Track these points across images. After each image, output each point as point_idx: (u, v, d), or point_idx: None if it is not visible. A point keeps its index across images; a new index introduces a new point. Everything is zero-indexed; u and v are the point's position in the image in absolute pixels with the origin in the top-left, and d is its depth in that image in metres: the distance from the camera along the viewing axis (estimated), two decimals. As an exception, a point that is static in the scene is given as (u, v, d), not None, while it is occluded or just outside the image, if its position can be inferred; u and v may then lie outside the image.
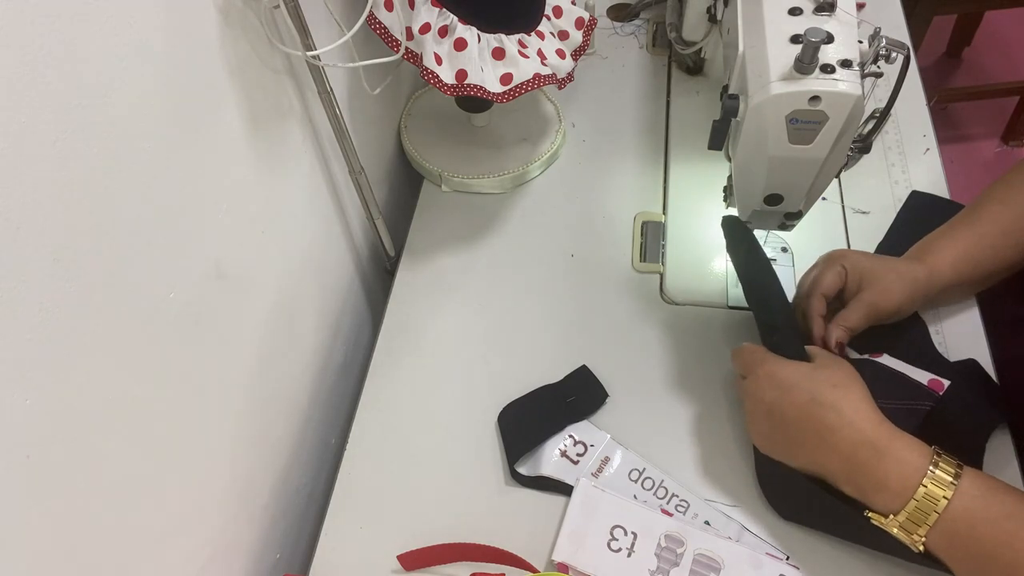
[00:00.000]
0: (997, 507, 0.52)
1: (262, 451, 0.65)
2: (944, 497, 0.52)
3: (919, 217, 0.79)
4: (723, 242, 0.80)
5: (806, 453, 0.58)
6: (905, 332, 0.69)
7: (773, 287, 0.66)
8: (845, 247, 0.79)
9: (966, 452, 0.56)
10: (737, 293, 0.76)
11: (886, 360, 0.68)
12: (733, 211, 0.72)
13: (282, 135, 0.63)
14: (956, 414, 0.63)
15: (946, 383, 0.65)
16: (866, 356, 0.69)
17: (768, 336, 0.65)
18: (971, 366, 0.69)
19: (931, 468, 0.53)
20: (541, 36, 0.72)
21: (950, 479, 0.52)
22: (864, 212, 0.81)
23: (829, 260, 0.68)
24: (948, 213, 0.75)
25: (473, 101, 0.83)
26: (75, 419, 0.41)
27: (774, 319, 0.65)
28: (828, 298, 0.67)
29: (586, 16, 0.76)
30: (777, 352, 0.62)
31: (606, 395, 0.70)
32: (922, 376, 0.66)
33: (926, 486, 0.52)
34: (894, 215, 0.80)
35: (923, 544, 0.53)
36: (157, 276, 0.48)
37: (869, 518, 0.55)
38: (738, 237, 0.69)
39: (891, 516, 0.53)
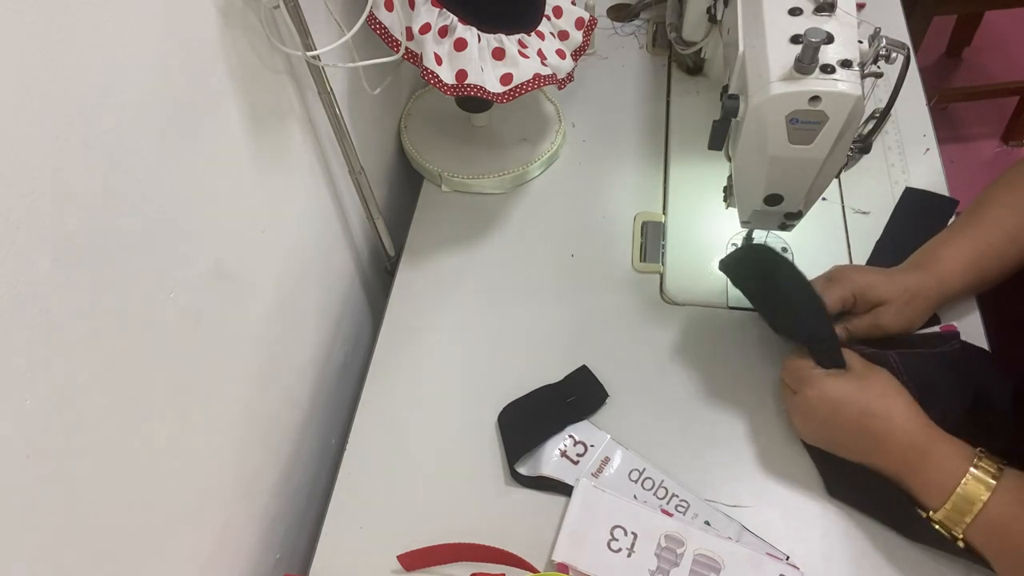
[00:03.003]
0: None
1: (262, 451, 0.65)
2: (980, 499, 0.55)
3: (915, 214, 0.79)
4: (723, 242, 0.80)
5: (859, 457, 0.62)
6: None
7: (808, 302, 0.65)
8: (845, 247, 0.79)
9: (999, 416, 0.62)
10: (737, 293, 0.76)
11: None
12: (735, 237, 0.72)
13: (282, 135, 0.63)
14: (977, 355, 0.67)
15: (956, 324, 0.68)
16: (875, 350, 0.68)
17: (811, 348, 0.65)
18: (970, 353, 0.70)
19: (972, 469, 0.56)
20: (541, 36, 0.72)
21: (990, 479, 0.55)
22: (864, 212, 0.81)
23: (835, 280, 0.67)
24: (943, 209, 0.75)
25: (473, 101, 0.83)
26: (75, 419, 0.41)
27: (817, 332, 0.65)
28: None
29: (586, 16, 0.76)
30: (820, 361, 0.64)
31: (606, 395, 0.70)
32: (936, 327, 0.69)
33: (965, 486, 0.56)
34: (894, 215, 0.80)
35: (963, 540, 0.56)
36: (157, 276, 0.48)
37: (918, 511, 0.58)
38: (743, 273, 0.70)
39: (932, 512, 0.57)
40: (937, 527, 0.57)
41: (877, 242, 0.78)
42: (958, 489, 0.56)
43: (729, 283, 0.77)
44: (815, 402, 0.62)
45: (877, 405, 0.60)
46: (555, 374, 0.71)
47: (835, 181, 0.69)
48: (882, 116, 0.58)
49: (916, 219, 0.78)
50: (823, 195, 0.70)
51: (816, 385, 0.62)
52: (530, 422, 0.68)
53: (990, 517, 0.55)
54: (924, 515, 0.58)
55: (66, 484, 0.41)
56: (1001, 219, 0.68)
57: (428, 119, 0.90)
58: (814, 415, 0.63)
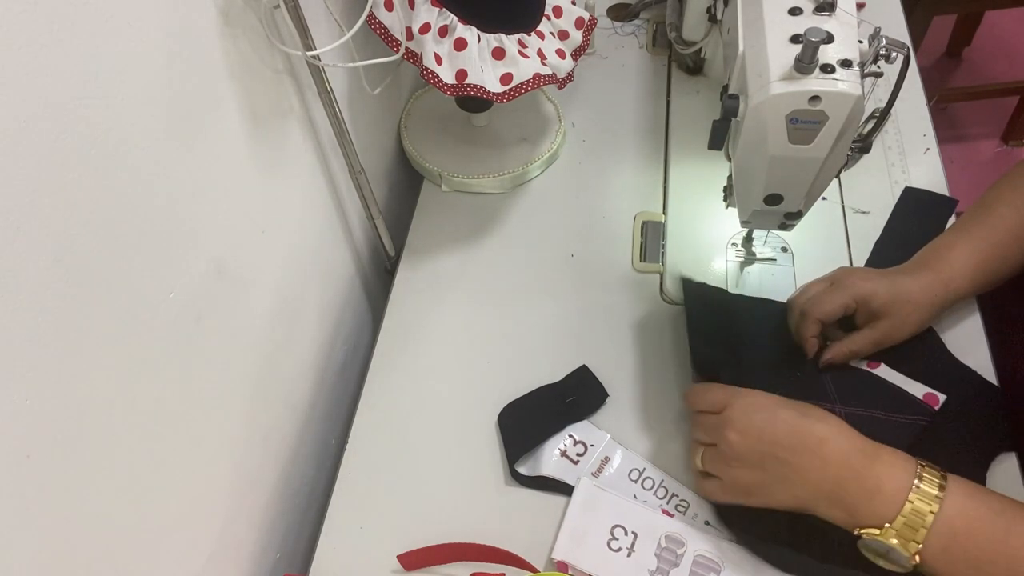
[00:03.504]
0: (985, 508, 0.51)
1: (262, 451, 0.65)
2: (931, 512, 0.51)
3: (914, 214, 0.79)
4: (723, 242, 0.80)
5: (797, 474, 0.55)
6: (911, 340, 0.68)
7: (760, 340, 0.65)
8: (845, 247, 0.79)
9: (965, 475, 0.54)
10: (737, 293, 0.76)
11: (883, 371, 0.67)
12: (735, 237, 0.72)
13: (282, 135, 0.63)
14: (954, 439, 0.62)
15: (942, 398, 0.64)
16: (863, 364, 0.69)
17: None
18: (977, 381, 0.68)
19: (915, 482, 0.52)
20: (541, 36, 0.72)
21: (935, 492, 0.51)
22: (864, 212, 0.81)
23: (837, 286, 0.66)
24: (942, 209, 0.74)
25: (473, 101, 0.83)
26: (75, 419, 0.41)
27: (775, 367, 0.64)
28: (824, 324, 0.67)
29: (586, 16, 0.76)
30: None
31: (606, 395, 0.70)
32: (918, 390, 0.65)
33: (912, 501, 0.51)
34: (894, 215, 0.80)
35: (919, 555, 0.51)
36: (157, 276, 0.48)
37: (860, 536, 0.53)
38: (697, 313, 0.70)
39: (887, 526, 0.52)
40: (894, 541, 0.51)
41: (876, 242, 0.78)
42: (906, 505, 0.51)
43: (729, 284, 0.77)
44: (750, 408, 0.57)
45: (814, 410, 0.57)
46: (555, 374, 0.71)
47: (835, 181, 0.69)
48: (882, 116, 0.58)
49: (916, 219, 0.78)
50: (823, 195, 0.70)
51: (745, 395, 0.59)
52: (530, 422, 0.68)
53: (946, 527, 0.50)
54: (874, 536, 0.52)
55: (66, 484, 0.41)
56: (1006, 218, 0.67)
57: (428, 119, 0.90)
58: (750, 422, 0.57)
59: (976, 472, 0.62)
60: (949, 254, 0.67)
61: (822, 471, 0.54)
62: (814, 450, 0.55)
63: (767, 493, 0.57)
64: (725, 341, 0.71)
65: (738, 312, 0.74)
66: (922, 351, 0.68)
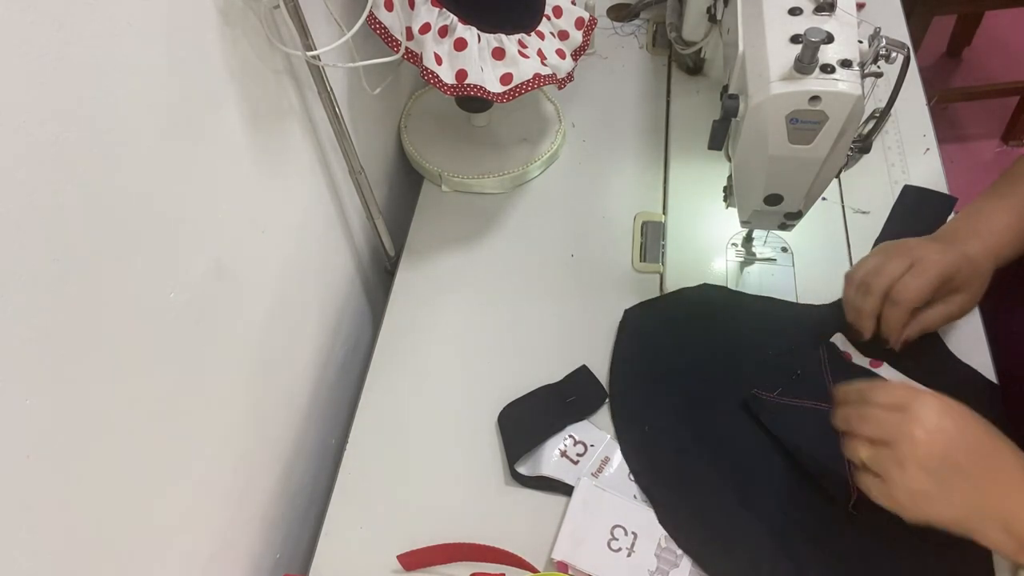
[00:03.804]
0: None
1: (262, 451, 0.65)
2: None
3: (913, 212, 0.79)
4: (723, 242, 0.80)
5: (976, 491, 0.51)
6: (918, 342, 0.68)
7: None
8: (845, 247, 0.79)
9: None
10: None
11: (884, 370, 0.68)
12: (735, 237, 0.72)
13: (282, 135, 0.63)
14: None
15: None
16: (867, 363, 0.69)
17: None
18: (978, 381, 0.67)
19: None
20: (541, 36, 0.72)
21: None
22: (864, 212, 0.81)
23: (919, 268, 0.63)
24: (941, 206, 0.74)
25: (473, 101, 0.83)
26: (75, 419, 0.41)
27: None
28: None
29: (586, 16, 0.76)
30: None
31: (606, 395, 0.70)
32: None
33: None
34: (893, 215, 0.80)
35: None
36: (157, 276, 0.48)
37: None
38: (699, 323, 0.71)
39: None
40: None
41: (876, 240, 0.78)
42: None
43: (729, 284, 0.77)
44: (943, 409, 0.52)
45: (1002, 435, 0.52)
46: (555, 374, 0.71)
47: (835, 181, 0.69)
48: (882, 116, 0.58)
49: (915, 217, 0.78)
50: (823, 195, 0.70)
51: (937, 395, 0.53)
52: (530, 422, 0.68)
53: None
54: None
55: (66, 484, 0.41)
56: None
57: (428, 119, 0.90)
58: (941, 424, 0.51)
59: None
60: (993, 223, 0.66)
61: (1003, 495, 0.51)
62: (1000, 470, 0.51)
63: (936, 503, 0.51)
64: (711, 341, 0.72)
65: (739, 311, 0.74)
66: (923, 350, 0.68)
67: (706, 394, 0.69)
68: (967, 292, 0.64)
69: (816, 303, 0.74)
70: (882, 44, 0.54)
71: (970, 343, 0.71)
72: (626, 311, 0.75)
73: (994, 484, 0.51)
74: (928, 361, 0.68)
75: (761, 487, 0.63)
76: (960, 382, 0.67)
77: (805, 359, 0.69)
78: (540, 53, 0.72)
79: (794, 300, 0.75)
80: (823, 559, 0.59)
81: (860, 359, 0.69)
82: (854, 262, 0.77)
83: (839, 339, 0.70)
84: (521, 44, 0.70)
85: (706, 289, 0.76)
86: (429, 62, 0.66)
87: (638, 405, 0.68)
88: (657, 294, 0.77)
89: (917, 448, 0.51)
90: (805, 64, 0.53)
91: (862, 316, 0.66)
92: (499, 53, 0.69)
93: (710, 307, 0.75)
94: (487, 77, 0.69)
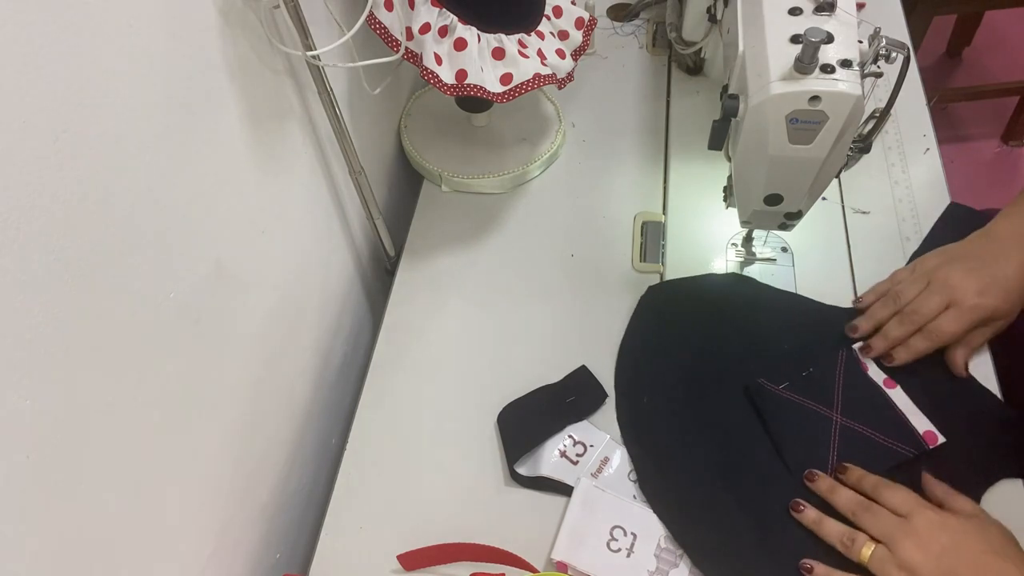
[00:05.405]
0: None
1: (262, 451, 0.65)
2: None
3: (954, 229, 0.76)
4: (723, 242, 0.80)
5: None
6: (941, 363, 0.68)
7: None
8: (845, 247, 0.79)
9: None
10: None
11: (896, 394, 0.66)
12: (735, 237, 0.72)
13: (282, 135, 0.63)
14: (951, 470, 0.62)
15: (941, 439, 0.63)
16: (881, 380, 0.68)
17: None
18: (995, 405, 0.67)
19: None
20: (541, 36, 0.72)
21: None
22: (864, 212, 0.81)
23: (956, 309, 0.65)
24: (979, 225, 0.73)
25: (473, 101, 0.83)
26: (75, 419, 0.41)
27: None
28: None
29: (586, 16, 0.76)
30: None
31: (606, 395, 0.70)
32: (921, 424, 0.64)
33: None
34: (894, 215, 0.80)
35: None
36: (157, 276, 0.48)
37: None
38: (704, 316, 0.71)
39: None
40: None
41: (915, 253, 0.76)
42: None
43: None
44: (939, 525, 0.55)
45: (1007, 549, 0.54)
46: (555, 374, 0.71)
47: (835, 181, 0.69)
48: (882, 116, 0.58)
49: (955, 234, 0.75)
50: (823, 195, 0.70)
51: (938, 510, 0.57)
52: (530, 422, 0.68)
53: None
54: None
55: (66, 484, 0.41)
56: None
57: (428, 119, 0.90)
58: (934, 540, 0.54)
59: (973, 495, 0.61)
60: None
61: None
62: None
63: None
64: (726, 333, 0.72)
65: (763, 302, 0.74)
66: (938, 376, 0.68)
67: (711, 375, 0.70)
68: (1009, 318, 0.67)
69: (828, 304, 0.74)
70: (882, 44, 0.54)
71: (975, 362, 0.70)
72: (650, 287, 0.76)
73: None
74: (943, 388, 0.67)
75: (748, 473, 0.64)
76: (975, 410, 0.66)
77: (820, 359, 0.69)
78: (540, 53, 0.72)
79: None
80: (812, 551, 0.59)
81: (876, 373, 0.68)
82: (854, 262, 0.77)
83: (860, 347, 0.70)
84: (521, 44, 0.70)
85: (735, 277, 0.76)
86: (429, 62, 0.66)
87: (642, 376, 0.70)
88: (657, 294, 0.77)
89: (907, 560, 0.54)
90: (805, 64, 0.53)
91: (888, 340, 0.68)
92: (499, 53, 0.69)
93: (735, 293, 0.75)
94: (487, 77, 0.69)
